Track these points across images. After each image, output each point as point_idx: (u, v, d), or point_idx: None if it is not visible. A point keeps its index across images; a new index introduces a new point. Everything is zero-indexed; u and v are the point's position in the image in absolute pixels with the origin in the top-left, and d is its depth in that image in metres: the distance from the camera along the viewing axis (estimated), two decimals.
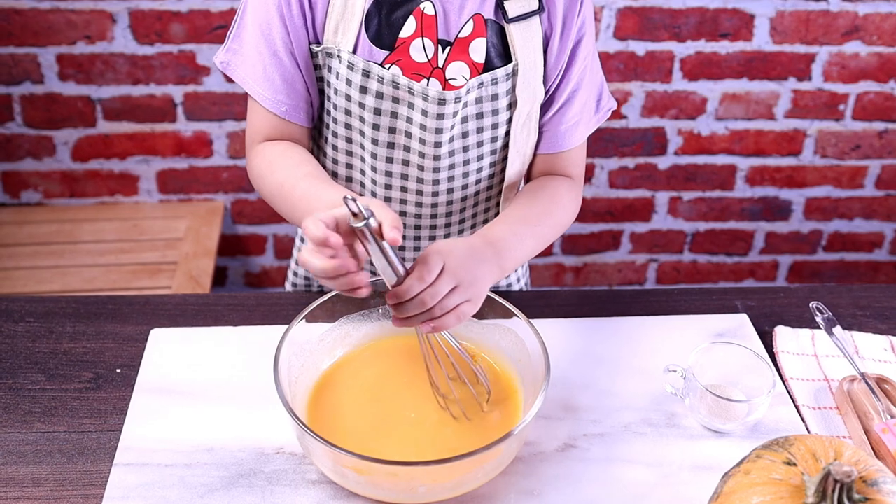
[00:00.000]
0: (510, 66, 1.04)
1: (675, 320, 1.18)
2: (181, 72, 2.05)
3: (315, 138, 1.12)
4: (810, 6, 2.11)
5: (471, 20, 1.02)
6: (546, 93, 1.09)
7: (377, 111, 1.03)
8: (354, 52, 1.02)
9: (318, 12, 1.01)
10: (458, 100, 1.03)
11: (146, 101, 2.08)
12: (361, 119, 1.05)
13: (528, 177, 1.18)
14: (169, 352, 1.09)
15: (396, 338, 1.04)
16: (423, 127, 1.04)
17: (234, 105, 2.10)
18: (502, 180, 1.17)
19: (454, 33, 1.02)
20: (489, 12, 1.03)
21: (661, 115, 2.23)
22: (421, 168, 1.08)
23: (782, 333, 1.17)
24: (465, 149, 1.08)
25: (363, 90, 1.02)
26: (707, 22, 2.11)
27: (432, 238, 1.16)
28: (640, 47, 2.13)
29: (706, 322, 1.18)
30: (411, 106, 1.03)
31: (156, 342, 1.11)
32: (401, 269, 0.86)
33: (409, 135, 1.05)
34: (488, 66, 1.04)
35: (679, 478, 0.96)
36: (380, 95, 1.02)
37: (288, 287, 1.33)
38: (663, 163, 2.30)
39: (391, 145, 1.06)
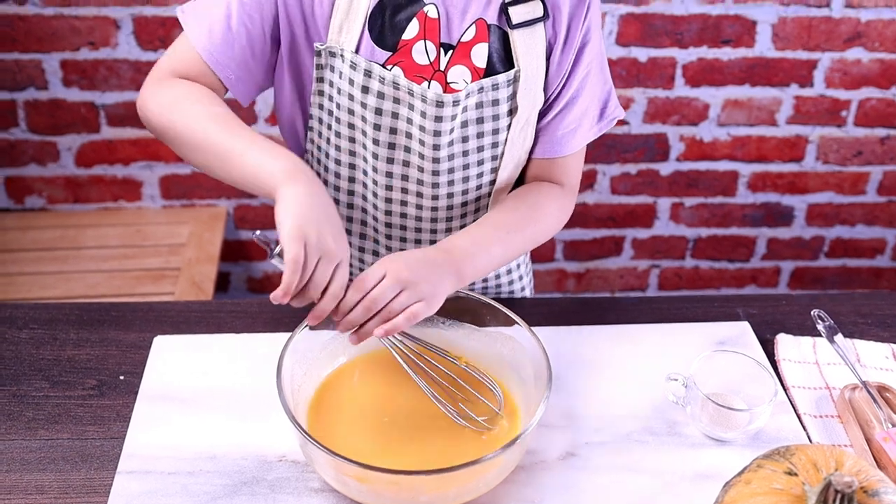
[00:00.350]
0: (512, 72, 1.05)
1: (677, 328, 1.19)
2: None
3: (315, 139, 1.12)
4: (812, 13, 2.11)
5: (473, 25, 1.03)
6: (546, 98, 1.10)
7: (378, 111, 1.04)
8: (357, 51, 1.02)
9: (324, 9, 1.01)
10: (456, 103, 1.03)
11: None
12: (363, 119, 1.05)
13: (521, 180, 1.17)
14: (172, 359, 1.10)
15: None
16: (422, 129, 1.04)
17: (237, 111, 2.10)
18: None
19: (456, 37, 1.03)
20: (492, 17, 1.03)
21: (663, 121, 2.23)
22: (421, 170, 1.08)
23: (784, 341, 1.17)
24: (465, 153, 1.09)
25: (365, 90, 1.03)
26: (709, 28, 2.11)
27: (433, 241, 1.17)
28: (642, 53, 2.13)
29: (708, 330, 1.18)
30: (411, 107, 1.03)
31: (159, 349, 1.11)
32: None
33: (409, 136, 1.06)
34: (490, 71, 1.04)
35: (680, 487, 0.97)
36: (381, 95, 1.03)
37: None
38: (665, 169, 2.31)
39: (392, 146, 1.07)
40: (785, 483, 0.78)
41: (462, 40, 1.03)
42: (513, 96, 1.06)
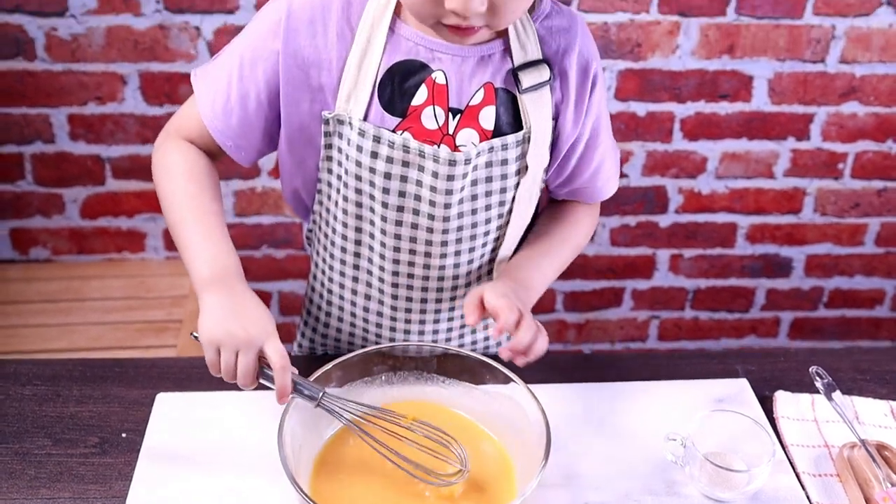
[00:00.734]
0: (521, 133, 1.07)
1: (676, 385, 1.19)
2: None
3: (324, 201, 1.14)
4: (808, 68, 2.15)
5: (481, 89, 1.05)
6: (570, 158, 1.13)
7: (387, 175, 1.06)
8: (366, 118, 1.04)
9: (332, 80, 1.04)
10: (468, 162, 1.05)
11: None
12: (371, 183, 1.07)
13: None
14: (174, 417, 1.10)
15: (400, 404, 1.05)
16: (433, 189, 1.06)
17: (240, 165, 2.13)
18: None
19: (465, 101, 1.05)
20: (499, 81, 1.06)
21: (661, 173, 2.26)
22: (430, 230, 1.10)
23: (782, 399, 1.18)
24: (474, 211, 1.10)
25: (374, 155, 1.05)
26: (706, 83, 2.15)
27: (438, 301, 1.18)
28: (640, 108, 2.16)
29: (707, 387, 1.19)
30: (421, 169, 1.05)
31: (161, 407, 1.12)
32: (314, 393, 0.97)
33: (418, 198, 1.07)
34: (497, 133, 1.07)
35: None
36: (390, 160, 1.05)
37: (294, 349, 1.34)
38: (664, 221, 2.33)
39: (400, 209, 1.08)
40: None
41: (470, 104, 1.05)
42: (522, 156, 1.08)
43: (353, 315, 1.21)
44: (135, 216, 2.19)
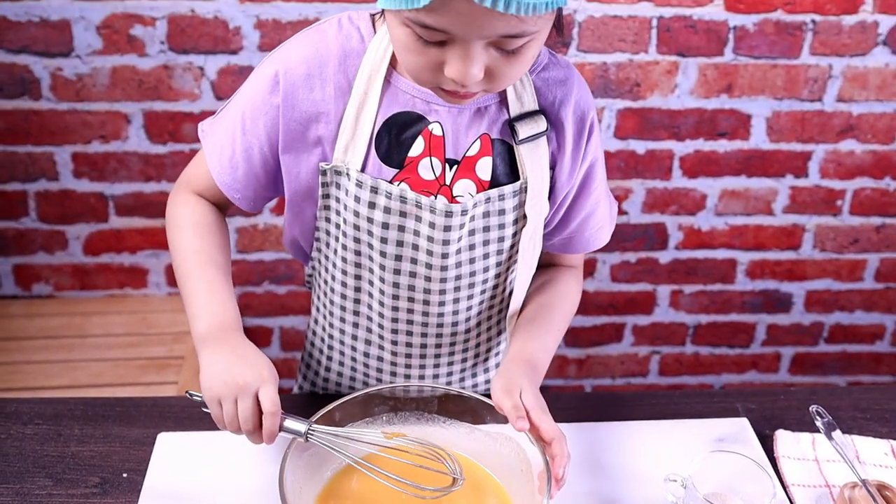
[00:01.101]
0: (518, 183, 1.08)
1: (677, 425, 1.19)
2: None
3: (322, 248, 1.15)
4: (805, 107, 2.17)
5: (478, 140, 1.06)
6: (562, 206, 1.14)
7: (385, 225, 1.06)
8: (364, 169, 1.05)
9: (330, 132, 1.05)
10: (465, 213, 1.06)
11: (157, 198, 2.13)
12: (370, 233, 1.08)
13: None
14: (175, 457, 1.10)
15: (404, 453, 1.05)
16: (430, 239, 1.07)
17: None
18: (505, 297, 1.20)
19: (462, 152, 1.06)
20: (496, 133, 1.06)
21: (661, 210, 2.27)
22: (428, 279, 1.11)
23: (783, 438, 1.18)
24: (472, 260, 1.11)
25: (371, 206, 1.05)
26: (705, 122, 2.17)
27: (438, 346, 1.19)
28: (640, 146, 2.18)
29: (707, 427, 1.19)
30: (419, 219, 1.06)
31: (162, 447, 1.12)
32: (301, 428, 0.97)
33: (416, 247, 1.08)
34: (494, 183, 1.07)
35: None
36: (387, 210, 1.05)
37: (295, 389, 1.35)
38: (664, 257, 2.34)
39: (399, 258, 1.09)
40: None
41: (467, 155, 1.06)
42: (520, 206, 1.09)
43: (354, 360, 1.22)
44: (137, 252, 2.20)
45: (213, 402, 0.96)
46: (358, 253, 1.11)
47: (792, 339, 2.49)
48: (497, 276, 1.15)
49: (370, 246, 1.09)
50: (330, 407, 1.02)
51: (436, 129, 1.05)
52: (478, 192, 1.06)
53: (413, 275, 1.10)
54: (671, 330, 2.45)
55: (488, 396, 1.05)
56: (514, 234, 1.11)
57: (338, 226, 1.10)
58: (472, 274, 1.12)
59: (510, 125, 1.05)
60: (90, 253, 2.19)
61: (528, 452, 1.00)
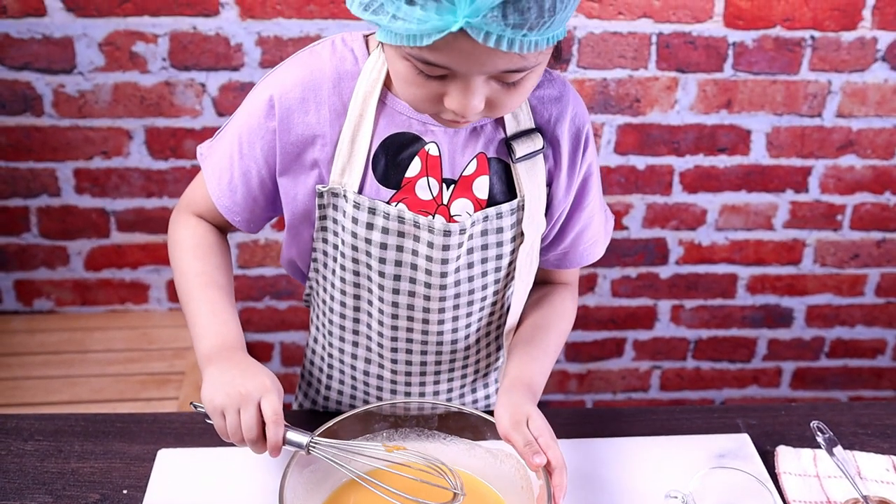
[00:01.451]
0: (515, 201, 1.08)
1: (677, 441, 1.19)
2: None
3: (320, 269, 1.15)
4: (805, 122, 2.17)
5: (474, 159, 1.06)
6: (557, 221, 1.14)
7: (383, 246, 1.07)
8: (361, 191, 1.05)
9: (326, 154, 1.05)
10: (463, 232, 1.06)
11: (159, 213, 2.14)
12: (368, 254, 1.08)
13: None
14: (175, 473, 1.10)
15: (405, 467, 1.05)
16: (429, 258, 1.07)
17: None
18: (503, 314, 1.20)
19: (458, 172, 1.06)
20: (492, 151, 1.07)
21: (661, 226, 2.28)
22: (427, 298, 1.11)
23: (784, 454, 1.17)
24: (471, 278, 1.11)
25: (369, 227, 1.06)
26: (705, 137, 2.17)
27: (438, 364, 1.19)
28: (640, 161, 2.19)
29: (708, 443, 1.19)
30: (417, 239, 1.06)
31: (163, 463, 1.12)
32: (303, 439, 0.96)
33: (414, 267, 1.08)
34: (492, 201, 1.08)
35: None
36: (385, 231, 1.06)
37: (294, 406, 1.35)
38: (665, 272, 2.34)
39: (397, 277, 1.09)
40: None
41: (464, 174, 1.06)
42: (517, 223, 1.09)
43: (354, 378, 1.22)
44: (138, 268, 2.20)
45: (216, 413, 0.96)
46: (357, 273, 1.11)
47: (793, 353, 2.49)
48: (495, 293, 1.15)
49: (369, 266, 1.09)
50: (330, 423, 1.02)
51: (432, 150, 1.05)
52: (475, 211, 1.07)
53: (412, 294, 1.10)
54: (672, 345, 2.45)
55: (488, 413, 1.05)
56: (512, 252, 1.12)
57: (336, 247, 1.10)
58: (471, 292, 1.12)
59: (507, 144, 1.06)
60: (91, 268, 2.20)
61: (529, 469, 1.00)
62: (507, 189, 1.08)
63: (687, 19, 2.04)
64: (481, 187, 1.07)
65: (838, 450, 1.14)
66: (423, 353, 1.17)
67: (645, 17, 2.04)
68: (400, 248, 1.07)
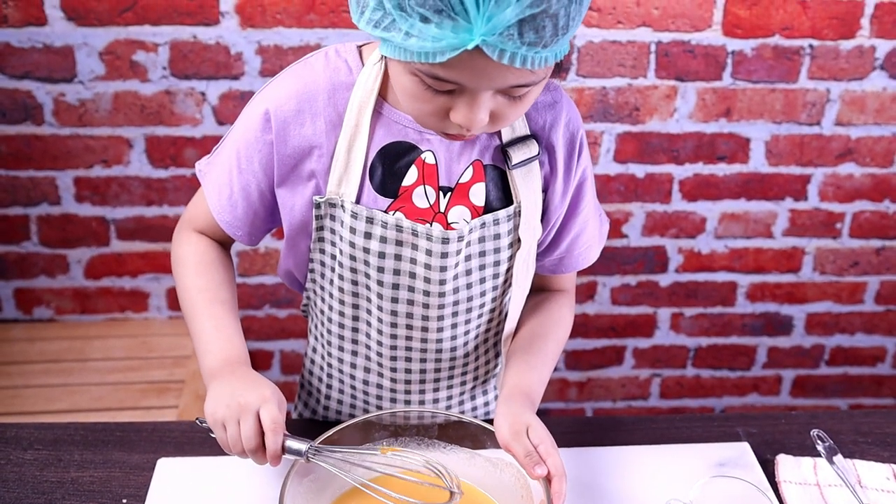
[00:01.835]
0: (511, 207, 1.08)
1: (677, 449, 1.19)
2: (193, 194, 2.11)
3: (317, 279, 1.16)
4: (804, 130, 2.18)
5: (470, 166, 1.07)
6: (553, 227, 1.14)
7: (381, 255, 1.07)
8: (358, 200, 1.06)
9: (322, 165, 1.06)
10: (461, 239, 1.06)
11: (159, 222, 2.14)
12: (366, 263, 1.08)
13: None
14: (175, 482, 1.10)
15: (402, 470, 1.05)
16: (427, 266, 1.07)
17: None
18: (501, 320, 1.20)
19: (455, 180, 1.07)
20: (488, 158, 1.07)
21: (661, 234, 2.28)
22: (426, 306, 1.11)
23: (784, 462, 1.17)
24: (469, 285, 1.12)
25: (367, 236, 1.06)
26: (704, 145, 2.18)
27: (437, 372, 1.19)
28: (639, 170, 2.19)
29: (708, 451, 1.19)
30: (415, 247, 1.07)
31: (162, 472, 1.11)
32: (302, 447, 0.96)
33: (413, 275, 1.09)
34: (488, 208, 1.08)
35: None
36: (383, 240, 1.06)
37: (294, 415, 1.35)
38: (664, 280, 2.34)
39: (396, 286, 1.09)
40: None
41: (460, 182, 1.07)
42: (514, 230, 1.10)
43: (353, 387, 1.22)
44: (138, 276, 2.21)
45: (218, 425, 0.97)
46: (355, 283, 1.11)
47: (793, 361, 2.49)
48: (493, 299, 1.16)
49: (367, 276, 1.09)
50: (330, 433, 1.02)
51: (428, 158, 1.05)
52: (472, 218, 1.07)
53: (411, 302, 1.11)
54: (672, 353, 2.45)
55: (488, 421, 1.05)
56: (510, 258, 1.12)
57: (333, 257, 1.10)
58: (470, 299, 1.13)
59: (503, 151, 1.06)
60: (91, 277, 2.20)
61: (529, 478, 0.99)
62: (503, 196, 1.09)
63: (686, 28, 2.05)
64: (478, 194, 1.07)
65: (839, 458, 1.14)
66: (423, 360, 1.17)
67: (644, 26, 2.04)
68: (398, 257, 1.07)
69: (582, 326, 2.38)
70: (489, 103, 0.89)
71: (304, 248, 1.13)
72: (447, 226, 1.07)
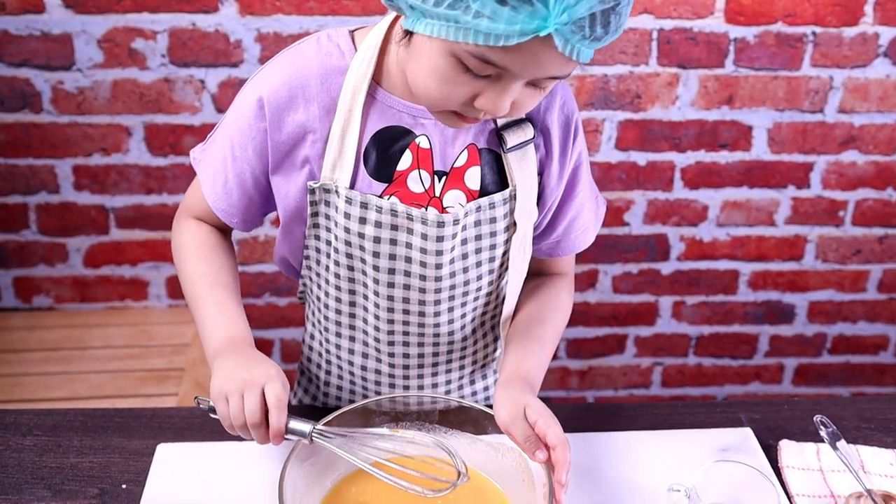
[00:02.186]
0: (507, 191, 1.08)
1: (680, 435, 1.19)
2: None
3: (312, 266, 1.15)
4: (806, 118, 2.17)
5: (465, 150, 1.06)
6: (549, 210, 1.13)
7: (377, 240, 1.06)
8: (353, 186, 1.05)
9: (316, 150, 1.05)
10: (456, 222, 1.06)
11: (158, 210, 2.13)
12: (362, 248, 1.07)
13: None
14: (175, 468, 1.09)
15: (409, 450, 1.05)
16: (423, 250, 1.07)
17: None
18: (498, 304, 1.19)
19: (449, 164, 1.06)
20: (482, 142, 1.07)
21: (663, 222, 2.27)
22: (422, 290, 1.10)
23: (787, 448, 1.17)
24: (465, 269, 1.11)
25: (362, 221, 1.05)
26: (706, 133, 2.17)
27: (435, 356, 1.18)
28: (641, 157, 2.18)
29: (710, 437, 1.18)
30: (410, 232, 1.06)
31: (162, 458, 1.11)
32: (306, 428, 0.96)
33: (409, 259, 1.08)
34: (483, 192, 1.08)
35: None
36: (378, 225, 1.05)
37: (294, 402, 1.34)
38: (666, 268, 2.33)
39: (392, 271, 1.09)
40: None
41: (455, 166, 1.06)
42: (510, 213, 1.09)
43: (352, 373, 1.21)
44: (138, 265, 2.20)
45: (220, 399, 0.96)
46: (351, 269, 1.10)
47: (795, 350, 2.49)
48: (490, 283, 1.15)
49: (363, 261, 1.09)
50: (330, 418, 1.01)
51: (423, 142, 1.05)
52: (468, 202, 1.07)
53: (407, 287, 1.10)
54: (673, 341, 2.45)
55: (489, 406, 1.05)
56: (506, 241, 1.11)
57: (329, 243, 1.10)
58: (466, 283, 1.12)
59: (498, 134, 1.06)
60: (91, 265, 2.19)
61: (531, 462, 0.99)
62: (498, 179, 1.08)
63: (688, 15, 2.04)
64: (473, 178, 1.07)
65: (842, 444, 1.13)
66: (420, 345, 1.16)
67: (646, 13, 2.03)
68: (394, 242, 1.07)
69: (583, 315, 2.37)
70: (517, 91, 0.89)
71: (299, 234, 1.12)
72: (442, 210, 1.06)
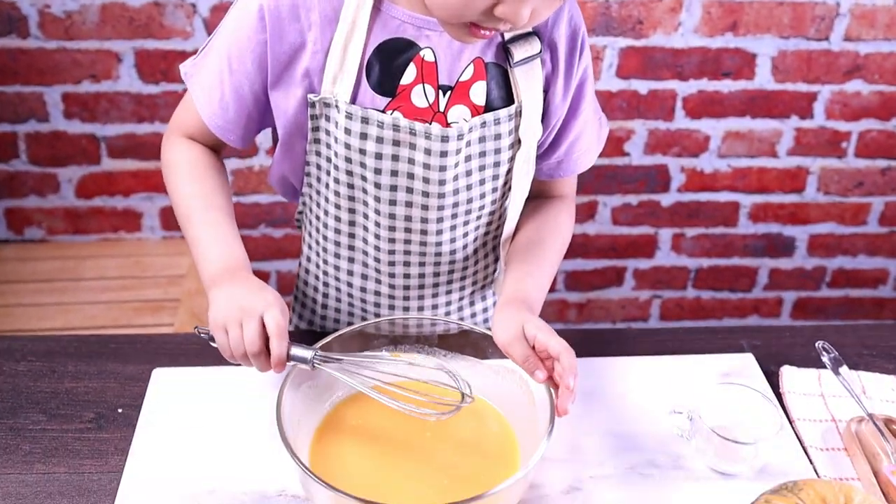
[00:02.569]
0: (513, 106, 1.05)
1: (681, 360, 1.18)
2: None
3: (313, 184, 1.12)
4: (811, 46, 2.12)
5: (471, 64, 1.03)
6: (553, 128, 1.11)
7: (378, 156, 1.04)
8: (355, 100, 1.02)
9: (317, 63, 1.02)
10: (460, 137, 1.03)
11: (150, 139, 2.10)
12: (363, 165, 1.05)
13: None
14: (171, 392, 1.09)
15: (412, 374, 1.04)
16: (426, 166, 1.04)
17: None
18: (501, 224, 1.17)
19: (455, 78, 1.03)
20: (489, 56, 1.04)
21: (663, 152, 2.24)
22: (425, 207, 1.08)
23: (788, 373, 1.16)
24: (469, 186, 1.09)
25: (363, 137, 1.03)
26: (709, 61, 2.12)
27: (436, 276, 1.16)
28: (642, 86, 2.14)
29: (712, 362, 1.17)
30: (413, 147, 1.03)
31: (157, 382, 1.10)
32: (307, 354, 0.94)
33: (411, 176, 1.06)
34: (488, 108, 1.05)
35: None
36: (380, 140, 1.03)
37: (290, 328, 1.32)
38: (666, 200, 2.31)
39: (394, 188, 1.06)
40: None
41: (460, 80, 1.03)
42: (515, 130, 1.07)
43: (351, 295, 1.20)
44: (131, 196, 2.17)
45: (219, 329, 0.95)
46: (351, 186, 1.08)
47: (794, 283, 2.48)
48: (493, 202, 1.13)
49: (363, 178, 1.06)
50: (327, 339, 1.00)
51: (427, 56, 1.02)
52: (472, 117, 1.04)
53: (409, 204, 1.08)
54: (672, 274, 2.43)
55: (489, 328, 1.04)
56: (510, 159, 1.09)
57: (329, 159, 1.07)
58: (469, 201, 1.10)
59: (504, 48, 1.03)
60: (83, 196, 2.16)
61: (531, 385, 0.98)
62: (504, 95, 1.06)
63: None
64: (478, 93, 1.04)
65: (844, 369, 1.12)
66: (422, 264, 1.14)
67: None
68: (395, 158, 1.04)
69: (582, 247, 2.35)
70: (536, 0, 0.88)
71: (300, 150, 1.09)
72: (447, 125, 1.03)
